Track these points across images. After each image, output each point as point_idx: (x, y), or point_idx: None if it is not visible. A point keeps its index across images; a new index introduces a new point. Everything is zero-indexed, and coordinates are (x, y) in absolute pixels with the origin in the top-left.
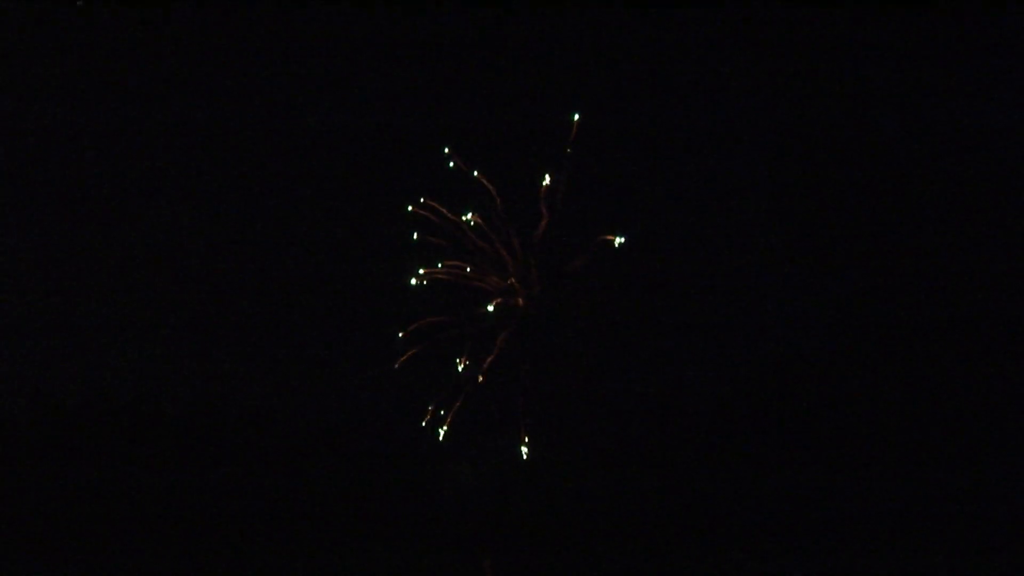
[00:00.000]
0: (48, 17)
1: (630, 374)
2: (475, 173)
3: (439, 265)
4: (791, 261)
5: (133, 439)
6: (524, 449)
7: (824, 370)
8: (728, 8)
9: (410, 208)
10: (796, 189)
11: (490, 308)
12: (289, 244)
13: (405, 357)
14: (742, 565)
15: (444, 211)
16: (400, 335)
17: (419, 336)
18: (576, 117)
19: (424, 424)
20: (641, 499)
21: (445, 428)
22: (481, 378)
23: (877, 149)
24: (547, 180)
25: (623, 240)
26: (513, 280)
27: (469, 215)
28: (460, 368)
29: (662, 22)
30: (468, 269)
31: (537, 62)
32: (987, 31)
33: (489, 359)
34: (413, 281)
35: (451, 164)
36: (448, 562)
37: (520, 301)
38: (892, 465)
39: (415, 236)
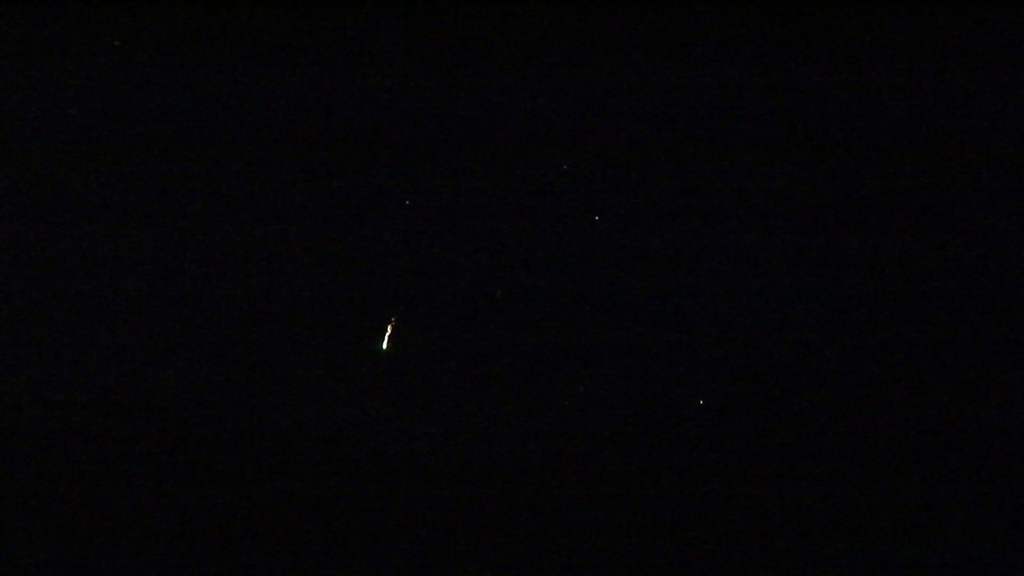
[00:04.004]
0: (87, 53)
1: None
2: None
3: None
4: (794, 262)
5: (131, 442)
6: None
7: (827, 372)
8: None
9: None
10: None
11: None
12: (288, 248)
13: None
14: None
15: None
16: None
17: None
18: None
19: None
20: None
21: None
22: None
23: (879, 149)
24: None
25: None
26: None
27: None
28: None
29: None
30: None
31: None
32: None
33: None
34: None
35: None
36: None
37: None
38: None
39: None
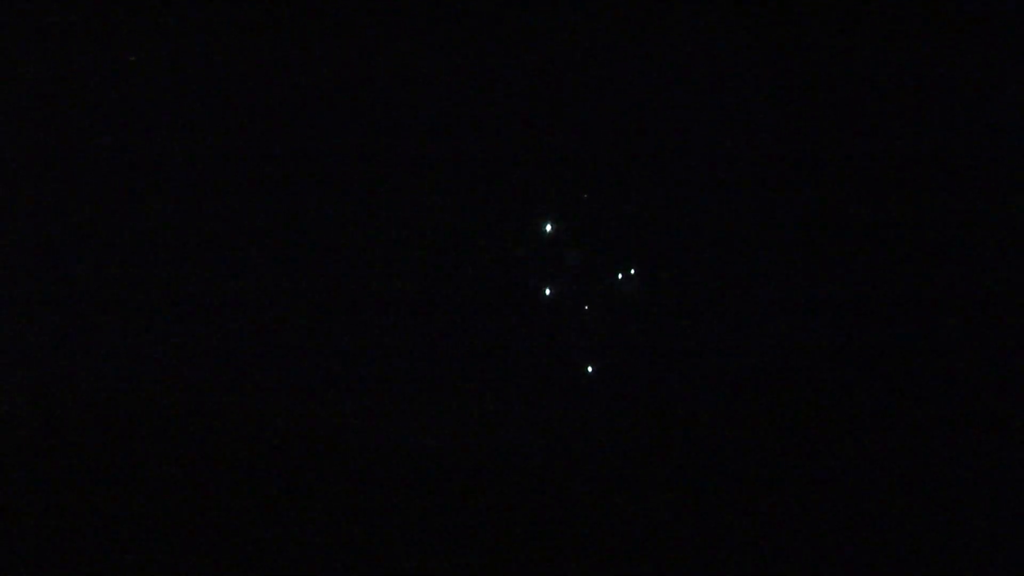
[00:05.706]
0: (102, 68)
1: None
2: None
3: None
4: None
5: (131, 438)
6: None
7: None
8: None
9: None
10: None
11: None
12: (293, 241)
13: None
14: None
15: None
16: None
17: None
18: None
19: None
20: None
21: None
22: None
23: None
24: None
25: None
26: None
27: None
28: None
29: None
30: None
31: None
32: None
33: None
34: None
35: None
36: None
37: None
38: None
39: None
